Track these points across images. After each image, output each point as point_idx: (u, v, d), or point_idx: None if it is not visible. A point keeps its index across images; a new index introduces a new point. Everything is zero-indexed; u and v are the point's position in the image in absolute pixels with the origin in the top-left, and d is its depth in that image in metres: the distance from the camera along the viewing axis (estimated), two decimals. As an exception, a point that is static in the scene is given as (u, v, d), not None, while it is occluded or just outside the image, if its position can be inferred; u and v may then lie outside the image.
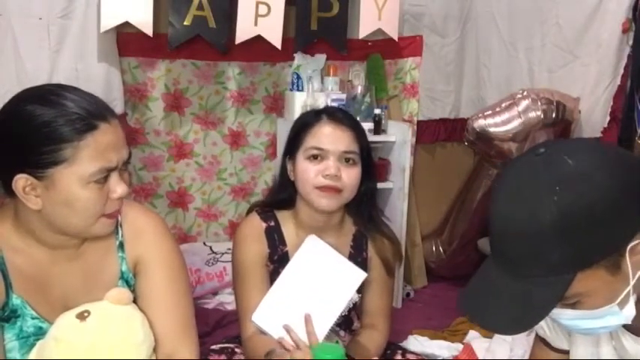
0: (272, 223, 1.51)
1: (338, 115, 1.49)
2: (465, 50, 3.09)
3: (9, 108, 1.01)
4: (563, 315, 0.91)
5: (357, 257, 1.53)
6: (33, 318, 1.07)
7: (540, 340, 1.18)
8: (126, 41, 2.49)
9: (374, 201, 1.56)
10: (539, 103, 2.48)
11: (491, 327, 0.97)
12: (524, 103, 2.52)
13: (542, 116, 2.46)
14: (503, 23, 2.95)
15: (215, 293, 2.56)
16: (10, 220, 1.07)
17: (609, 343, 1.02)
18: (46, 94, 1.00)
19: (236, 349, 1.48)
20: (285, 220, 1.52)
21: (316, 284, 1.40)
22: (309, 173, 1.42)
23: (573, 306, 0.89)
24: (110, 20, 2.30)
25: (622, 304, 0.89)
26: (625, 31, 2.36)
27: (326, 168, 1.41)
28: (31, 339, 1.07)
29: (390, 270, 1.55)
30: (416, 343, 2.15)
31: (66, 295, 1.11)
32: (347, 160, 1.43)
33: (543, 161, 0.85)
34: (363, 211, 1.54)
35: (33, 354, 1.07)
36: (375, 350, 1.50)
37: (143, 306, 1.14)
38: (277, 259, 1.50)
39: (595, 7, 2.47)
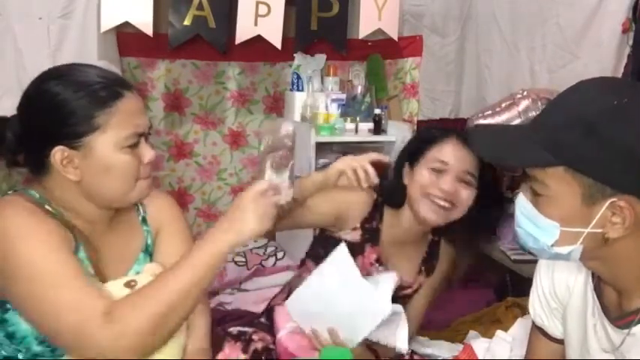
0: (380, 201, 1.55)
1: (465, 137, 1.50)
2: (466, 50, 3.09)
3: (35, 89, 1.04)
4: (522, 202, 0.95)
5: (429, 262, 1.59)
6: (92, 276, 1.07)
7: (537, 330, 1.19)
8: (126, 41, 2.49)
9: (482, 232, 1.61)
10: (539, 103, 2.48)
11: (477, 146, 1.01)
12: (524, 103, 2.51)
13: (542, 116, 2.47)
14: (504, 23, 2.94)
15: (215, 293, 2.56)
16: (43, 193, 1.07)
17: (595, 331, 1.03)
18: (70, 70, 1.06)
19: (253, 336, 1.49)
20: (389, 213, 1.55)
21: (342, 299, 1.36)
22: (425, 180, 1.45)
23: (535, 199, 0.92)
24: (110, 20, 2.30)
25: (564, 242, 0.90)
26: (625, 31, 2.36)
27: (443, 182, 1.43)
28: None
29: (447, 279, 1.63)
30: (416, 343, 2.14)
31: (101, 268, 1.12)
32: (466, 182, 1.45)
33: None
34: (465, 234, 1.55)
35: None
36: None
37: None
38: (368, 228, 1.54)
39: (595, 7, 2.46)
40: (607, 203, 0.85)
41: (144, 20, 2.33)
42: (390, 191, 1.56)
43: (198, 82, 2.70)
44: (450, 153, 1.46)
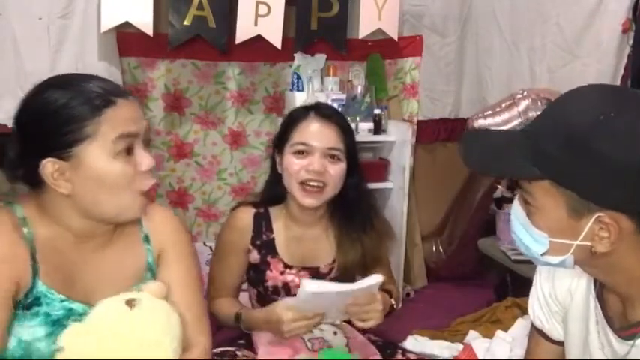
0: (262, 211, 1.56)
1: (326, 111, 1.51)
2: (465, 50, 3.10)
3: (30, 98, 1.02)
4: (517, 209, 0.94)
5: (346, 231, 1.56)
6: (62, 301, 1.04)
7: (537, 332, 1.19)
8: (126, 41, 2.49)
9: (360, 201, 1.56)
10: (539, 103, 2.47)
11: (463, 154, 0.96)
12: (524, 103, 2.51)
13: (542, 116, 2.46)
14: (504, 23, 2.94)
15: (215, 293, 2.56)
16: (34, 209, 1.05)
17: (597, 335, 1.02)
18: (64, 79, 1.04)
19: (237, 352, 1.47)
20: (276, 212, 1.57)
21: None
22: (293, 167, 1.45)
23: (527, 207, 0.91)
24: (110, 20, 2.30)
25: (554, 252, 0.89)
26: (625, 31, 2.36)
27: (310, 163, 1.44)
28: (62, 321, 1.03)
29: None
30: (416, 343, 2.15)
31: (90, 287, 1.09)
32: (332, 157, 1.46)
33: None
34: (345, 210, 1.54)
35: (68, 334, 1.00)
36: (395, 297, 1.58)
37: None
38: (261, 244, 1.54)
39: (595, 7, 2.47)
40: (593, 218, 0.83)
41: (144, 20, 2.32)
42: (268, 189, 1.59)
43: (198, 82, 2.70)
44: (310, 133, 1.46)
